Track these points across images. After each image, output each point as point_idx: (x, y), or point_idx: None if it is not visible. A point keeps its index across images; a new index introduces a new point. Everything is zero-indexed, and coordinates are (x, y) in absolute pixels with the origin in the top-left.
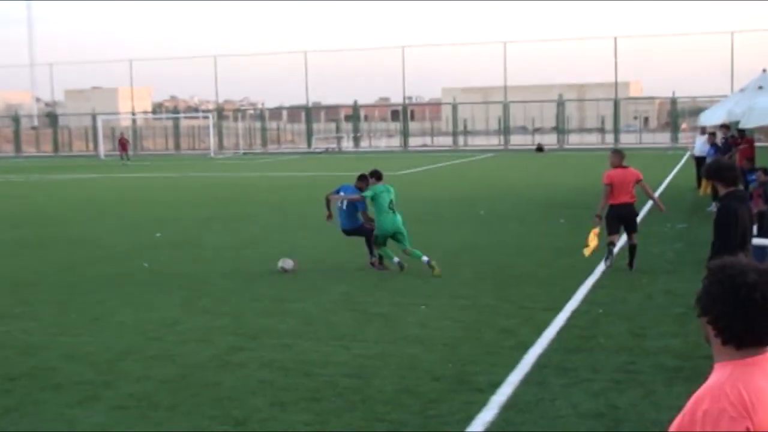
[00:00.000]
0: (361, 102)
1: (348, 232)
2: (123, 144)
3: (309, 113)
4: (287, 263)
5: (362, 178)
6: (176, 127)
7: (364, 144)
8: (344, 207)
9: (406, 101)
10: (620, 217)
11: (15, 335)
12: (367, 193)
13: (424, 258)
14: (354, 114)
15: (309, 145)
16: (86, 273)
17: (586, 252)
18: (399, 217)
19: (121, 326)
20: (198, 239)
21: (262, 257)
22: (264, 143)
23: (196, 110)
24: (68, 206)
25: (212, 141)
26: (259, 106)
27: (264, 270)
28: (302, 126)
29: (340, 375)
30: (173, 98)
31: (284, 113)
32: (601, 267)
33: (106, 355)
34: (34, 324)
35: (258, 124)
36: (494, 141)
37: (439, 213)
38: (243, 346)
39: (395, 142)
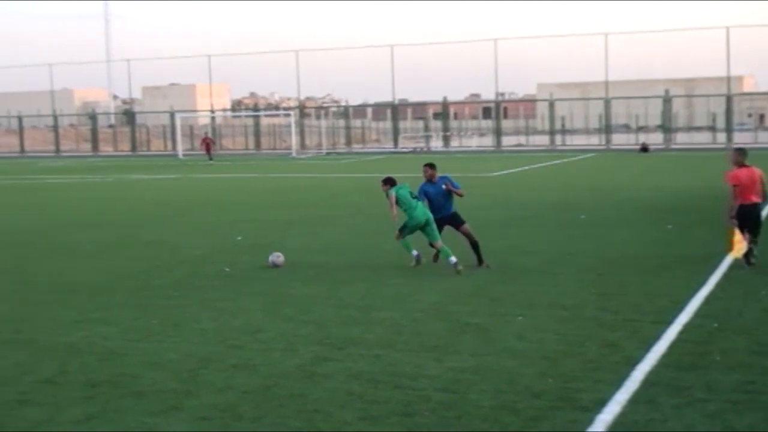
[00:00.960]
0: (450, 98)
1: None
2: (207, 143)
3: (395, 111)
4: (278, 258)
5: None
6: (256, 125)
7: (454, 143)
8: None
9: (499, 98)
10: (746, 218)
11: (95, 340)
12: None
13: (452, 259)
14: (443, 111)
15: (395, 144)
16: (165, 277)
17: (736, 254)
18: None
19: (203, 333)
20: (280, 243)
21: (346, 262)
22: (348, 142)
23: (276, 108)
24: (146, 207)
25: (294, 140)
26: (343, 103)
27: (349, 276)
28: (388, 124)
29: (433, 389)
30: (253, 95)
31: (369, 111)
32: (714, 278)
33: (188, 363)
34: (113, 329)
35: (341, 123)
36: (594, 140)
37: (536, 217)
38: (329, 356)
39: (487, 141)
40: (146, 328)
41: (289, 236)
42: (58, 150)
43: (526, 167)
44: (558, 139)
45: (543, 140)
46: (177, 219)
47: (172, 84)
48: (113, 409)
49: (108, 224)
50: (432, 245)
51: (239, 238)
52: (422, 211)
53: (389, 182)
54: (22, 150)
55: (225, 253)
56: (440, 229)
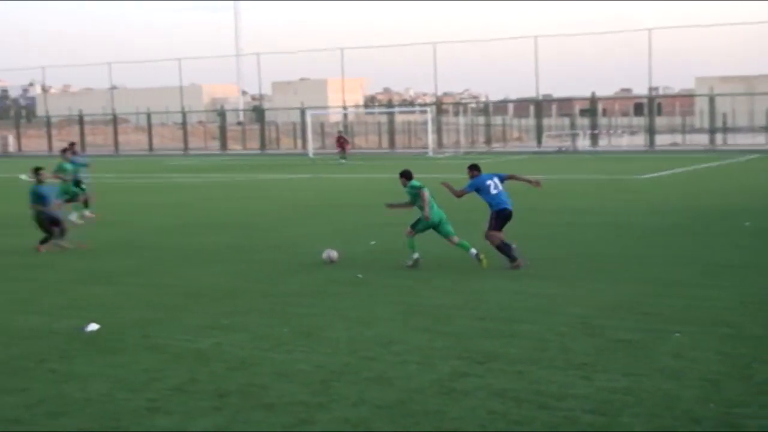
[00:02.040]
0: (599, 94)
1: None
2: (341, 142)
3: (539, 107)
4: (333, 253)
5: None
6: (390, 122)
7: (603, 142)
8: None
9: (652, 93)
10: None
11: (225, 348)
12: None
13: (473, 251)
14: (591, 108)
15: (539, 143)
16: (296, 282)
17: None
18: None
19: (335, 343)
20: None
21: (487, 270)
22: (487, 141)
23: (411, 104)
24: (276, 208)
25: (430, 138)
26: (483, 99)
27: (490, 285)
28: (531, 121)
29: (582, 410)
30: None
31: (510, 107)
32: None
33: (319, 375)
34: (243, 336)
35: (481, 120)
36: (761, 139)
37: (693, 224)
38: (468, 371)
39: (639, 140)
40: (277, 337)
41: (425, 241)
42: (186, 148)
43: (682, 169)
44: (719, 138)
45: (701, 139)
46: (309, 221)
47: (303, 79)
48: (242, 420)
49: (238, 225)
50: (449, 241)
51: (373, 242)
52: (437, 211)
53: (408, 176)
54: (151, 148)
55: (358, 258)
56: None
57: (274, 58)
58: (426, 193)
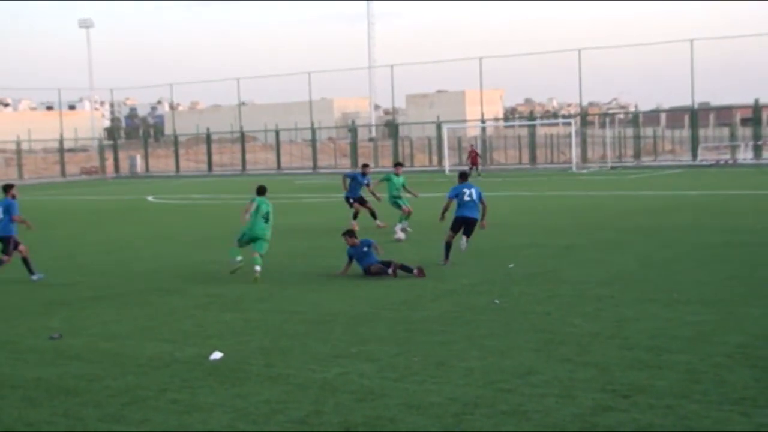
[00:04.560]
0: (763, 101)
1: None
2: (473, 156)
3: (695, 116)
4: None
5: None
6: (531, 135)
7: (767, 154)
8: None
9: None
10: None
11: (352, 378)
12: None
13: (256, 267)
14: (754, 116)
15: (694, 156)
16: (429, 308)
17: None
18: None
19: (469, 373)
20: (555, 272)
21: (634, 296)
22: (637, 154)
23: (554, 115)
24: (410, 228)
25: (574, 152)
26: (632, 108)
27: (637, 312)
28: (685, 133)
29: None
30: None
31: (662, 117)
32: None
33: (452, 407)
34: (371, 366)
35: (630, 131)
36: None
37: None
38: (612, 405)
39: None
40: (407, 366)
41: (567, 264)
42: (315, 166)
43: None
44: None
45: None
46: (439, 241)
47: (439, 91)
48: None
49: None
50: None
51: (511, 265)
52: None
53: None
54: (279, 166)
55: (495, 282)
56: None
57: (409, 70)
58: (254, 204)
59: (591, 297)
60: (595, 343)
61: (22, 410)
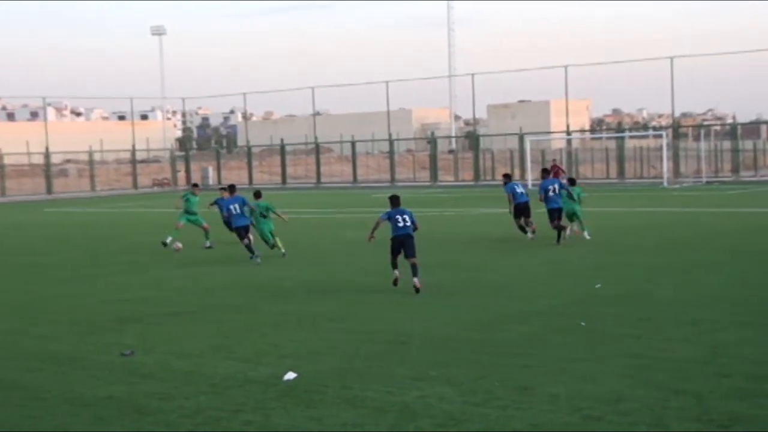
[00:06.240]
0: None
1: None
2: (556, 170)
3: None
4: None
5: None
6: (620, 148)
7: None
8: None
9: None
10: None
11: (431, 402)
12: None
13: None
14: None
15: None
16: (513, 330)
17: None
18: None
19: (554, 399)
20: (646, 293)
21: (731, 319)
22: (735, 169)
23: (644, 127)
24: (490, 245)
25: (665, 166)
26: (729, 120)
27: (736, 336)
28: None
29: None
30: (616, 112)
31: (764, 129)
32: None
33: None
34: (452, 390)
35: (727, 144)
36: None
37: None
38: None
39: None
40: (488, 391)
41: (658, 285)
42: (393, 179)
43: None
44: None
45: None
46: (525, 260)
47: (522, 101)
48: None
49: (444, 265)
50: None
51: (598, 285)
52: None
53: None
54: (355, 179)
55: (581, 303)
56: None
57: (491, 79)
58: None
59: (685, 320)
60: (690, 370)
61: (94, 428)
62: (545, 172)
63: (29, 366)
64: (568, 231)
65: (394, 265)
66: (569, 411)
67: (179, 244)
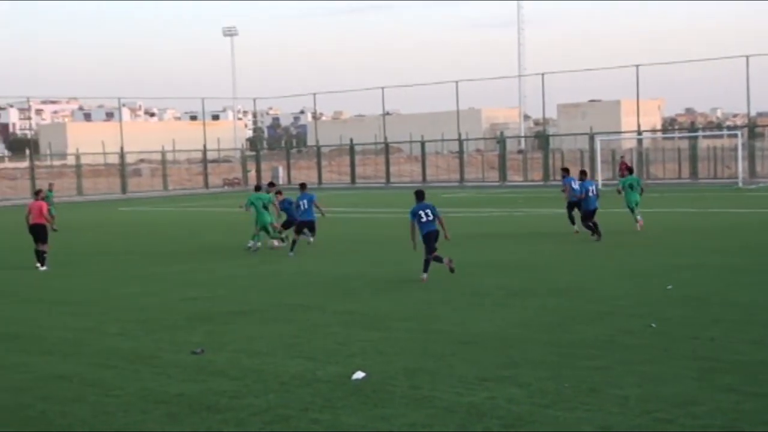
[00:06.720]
0: None
1: None
2: (623, 169)
3: None
4: None
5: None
6: (692, 148)
7: None
8: None
9: None
10: None
11: (499, 403)
12: None
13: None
14: None
15: None
16: (582, 331)
17: None
18: None
19: (624, 401)
20: (719, 294)
21: None
22: None
23: (719, 126)
24: (557, 247)
25: (740, 166)
26: None
27: None
28: None
29: None
30: (689, 112)
31: None
32: None
33: None
34: (520, 391)
35: None
36: None
37: None
38: None
39: None
40: (557, 392)
41: (732, 287)
42: (462, 179)
43: None
44: None
45: None
46: (593, 261)
47: (592, 101)
48: None
49: (515, 265)
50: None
51: (669, 287)
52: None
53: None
54: (424, 179)
55: (653, 304)
56: None
57: (560, 78)
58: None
59: (759, 322)
60: (764, 373)
61: (165, 426)
62: (583, 174)
63: (103, 363)
64: (638, 227)
65: (426, 268)
66: (639, 413)
67: (277, 242)
